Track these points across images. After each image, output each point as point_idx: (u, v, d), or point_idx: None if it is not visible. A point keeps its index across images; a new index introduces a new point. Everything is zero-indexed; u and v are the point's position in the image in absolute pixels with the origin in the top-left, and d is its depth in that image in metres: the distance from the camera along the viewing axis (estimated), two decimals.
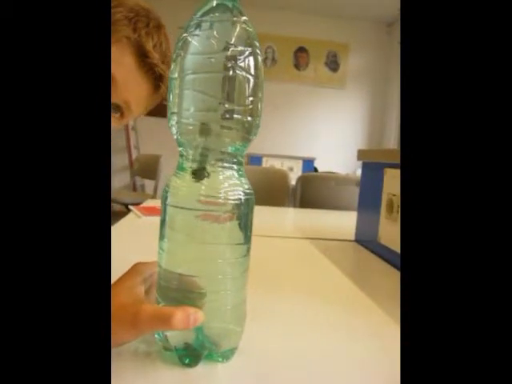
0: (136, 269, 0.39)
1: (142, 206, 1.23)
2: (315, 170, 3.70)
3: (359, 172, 1.04)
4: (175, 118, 0.34)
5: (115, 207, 2.87)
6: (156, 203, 1.29)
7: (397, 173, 0.75)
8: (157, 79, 0.51)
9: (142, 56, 0.49)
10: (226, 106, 0.33)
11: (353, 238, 0.95)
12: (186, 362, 0.35)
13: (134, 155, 3.79)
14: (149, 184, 3.40)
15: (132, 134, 3.87)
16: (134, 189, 3.67)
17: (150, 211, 1.09)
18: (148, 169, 3.08)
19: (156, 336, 0.36)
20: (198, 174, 0.34)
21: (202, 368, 0.35)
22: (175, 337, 0.35)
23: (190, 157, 0.35)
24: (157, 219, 0.37)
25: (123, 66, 0.49)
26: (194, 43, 0.33)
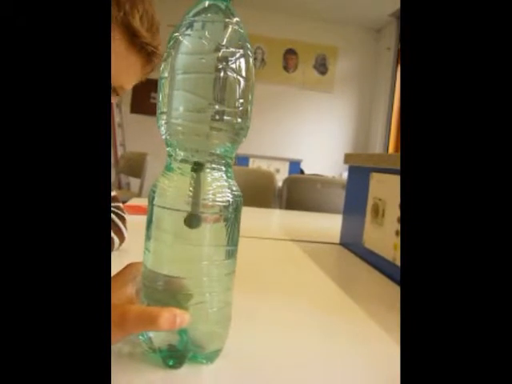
0: (128, 269, 0.39)
1: (127, 204, 1.22)
2: (302, 171, 3.71)
3: (345, 175, 1.05)
4: (164, 117, 0.34)
5: None
6: (141, 202, 1.27)
7: (383, 177, 0.76)
8: (149, 55, 0.51)
9: (131, 36, 0.48)
10: (216, 107, 0.32)
11: (338, 240, 0.95)
12: (170, 363, 0.35)
13: (120, 152, 3.75)
14: (134, 182, 3.37)
15: (118, 131, 3.82)
16: (119, 187, 3.63)
17: (136, 210, 1.08)
18: (134, 167, 3.04)
19: (140, 337, 0.36)
20: (192, 221, 0.33)
21: (186, 370, 0.35)
22: (159, 338, 0.35)
23: (178, 157, 0.35)
24: (142, 218, 0.36)
25: (114, 50, 0.47)
26: (186, 43, 0.32)
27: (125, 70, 0.50)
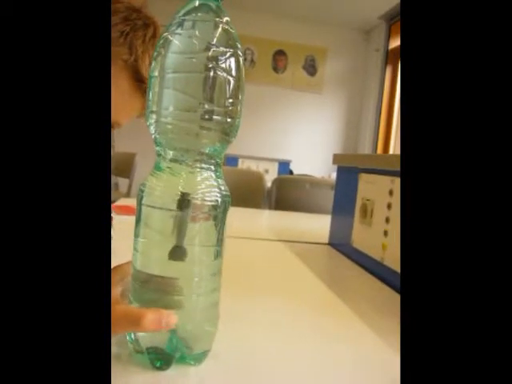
0: (115, 270, 0.39)
1: (115, 204, 1.21)
2: (291, 172, 3.72)
3: (334, 175, 1.06)
4: (154, 116, 0.33)
5: None
6: (130, 202, 1.26)
7: (371, 178, 0.76)
8: None
9: (137, 81, 0.48)
10: (206, 106, 0.32)
11: (326, 241, 0.96)
12: (158, 365, 0.34)
13: None
14: (123, 182, 3.34)
15: None
16: None
17: (124, 210, 1.07)
18: (122, 167, 3.02)
19: (127, 338, 0.35)
20: (176, 253, 0.33)
21: (173, 371, 0.35)
22: (146, 339, 0.34)
23: (168, 156, 0.34)
24: (131, 219, 0.36)
25: (118, 90, 0.47)
26: (176, 42, 0.32)
27: (125, 108, 0.50)
